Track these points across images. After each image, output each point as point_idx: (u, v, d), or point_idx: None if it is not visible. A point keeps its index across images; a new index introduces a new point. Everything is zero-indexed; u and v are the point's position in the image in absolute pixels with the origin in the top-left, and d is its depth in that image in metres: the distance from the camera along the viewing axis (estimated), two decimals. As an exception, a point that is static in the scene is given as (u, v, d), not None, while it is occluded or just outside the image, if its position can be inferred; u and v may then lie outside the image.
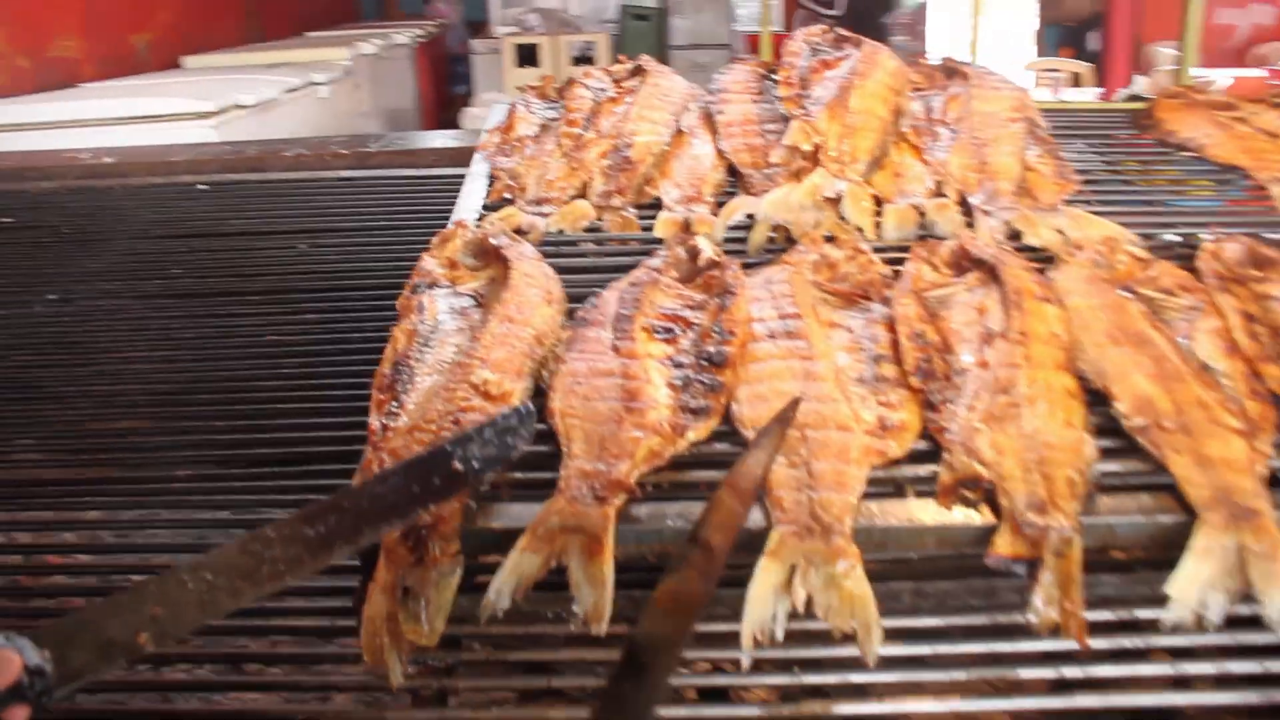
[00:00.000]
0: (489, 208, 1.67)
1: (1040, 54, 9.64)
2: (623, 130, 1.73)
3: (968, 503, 1.03)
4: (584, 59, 7.69)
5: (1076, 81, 7.92)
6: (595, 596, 0.98)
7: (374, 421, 1.16)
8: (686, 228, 1.55)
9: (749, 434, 1.10)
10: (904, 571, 1.09)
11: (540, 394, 1.19)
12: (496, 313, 1.27)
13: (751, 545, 1.00)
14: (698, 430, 1.12)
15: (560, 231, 1.59)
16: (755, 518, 1.02)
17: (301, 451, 1.52)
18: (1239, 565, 0.97)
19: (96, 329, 1.94)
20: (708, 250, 1.38)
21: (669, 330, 1.24)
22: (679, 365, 1.19)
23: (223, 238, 2.24)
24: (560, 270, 1.43)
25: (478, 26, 8.44)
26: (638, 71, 1.96)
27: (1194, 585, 0.97)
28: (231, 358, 1.79)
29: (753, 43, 7.06)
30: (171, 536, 1.45)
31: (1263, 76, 5.31)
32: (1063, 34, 9.90)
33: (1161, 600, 0.98)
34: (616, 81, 1.94)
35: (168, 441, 1.60)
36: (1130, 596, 1.07)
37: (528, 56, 7.60)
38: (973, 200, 1.58)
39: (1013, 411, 1.08)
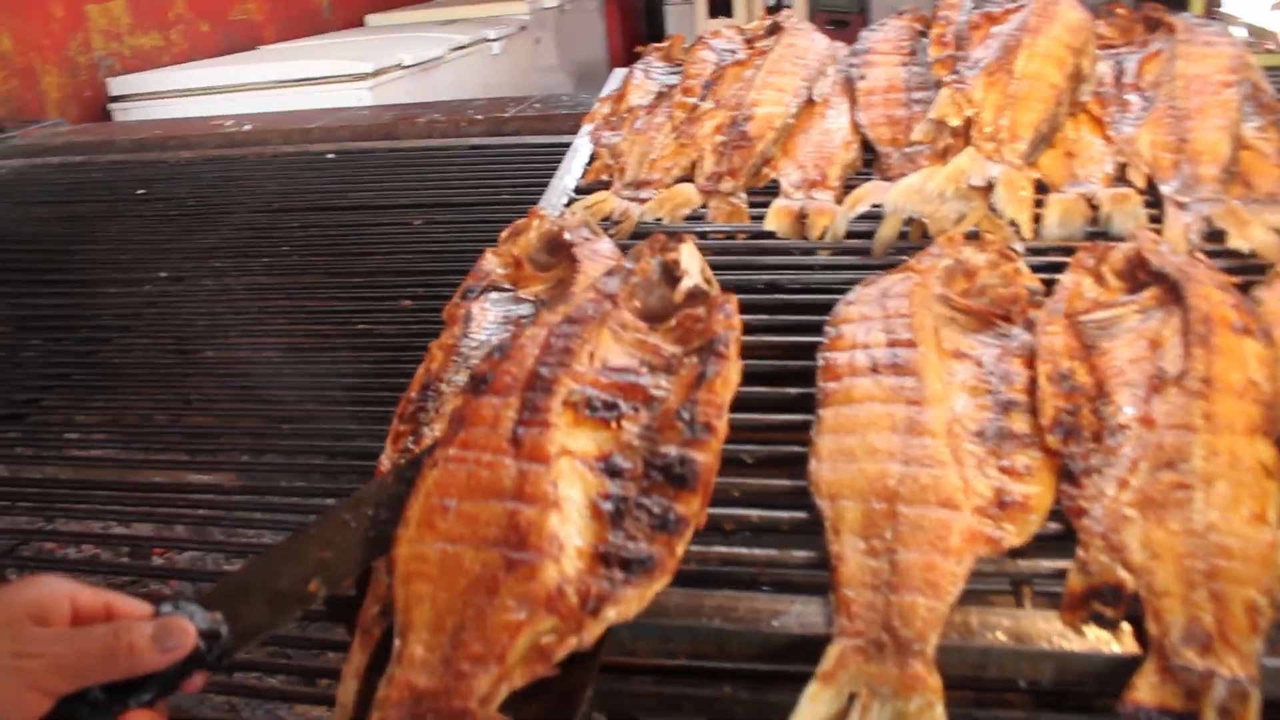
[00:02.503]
0: (581, 190, 1.47)
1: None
2: (743, 100, 1.49)
3: (1103, 621, 0.77)
4: (780, 6, 7.35)
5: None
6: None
7: (384, 459, 0.98)
8: (802, 218, 1.30)
9: (824, 504, 0.86)
10: (1009, 700, 0.83)
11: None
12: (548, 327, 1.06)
13: (805, 653, 0.76)
14: (625, 604, 0.73)
15: (658, 221, 1.37)
16: (808, 614, 0.79)
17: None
18: None
19: (194, 312, 1.84)
20: (691, 273, 1.05)
21: (611, 407, 0.87)
22: (615, 473, 0.82)
23: (338, 211, 2.12)
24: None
25: (672, -24, 8.19)
26: (775, 30, 1.71)
27: None
28: (314, 348, 1.65)
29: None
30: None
31: None
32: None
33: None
34: (749, 41, 1.70)
35: (225, 444, 1.47)
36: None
37: (722, 5, 7.31)
38: (1164, 189, 1.28)
39: (1179, 496, 0.81)
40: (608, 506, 0.79)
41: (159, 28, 3.87)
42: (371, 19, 5.31)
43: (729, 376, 0.91)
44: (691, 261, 1.09)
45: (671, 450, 0.82)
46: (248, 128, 2.61)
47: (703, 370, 0.91)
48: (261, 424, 1.51)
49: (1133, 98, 1.44)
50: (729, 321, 0.98)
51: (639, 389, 0.89)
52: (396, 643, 0.73)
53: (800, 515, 0.88)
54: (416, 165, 2.28)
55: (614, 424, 0.86)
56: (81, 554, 1.50)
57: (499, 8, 5.27)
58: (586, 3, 6.47)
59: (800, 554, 0.84)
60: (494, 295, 1.17)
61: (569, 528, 0.77)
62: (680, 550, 0.77)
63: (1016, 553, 0.83)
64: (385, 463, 0.98)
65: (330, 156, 2.38)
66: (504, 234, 1.27)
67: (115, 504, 1.37)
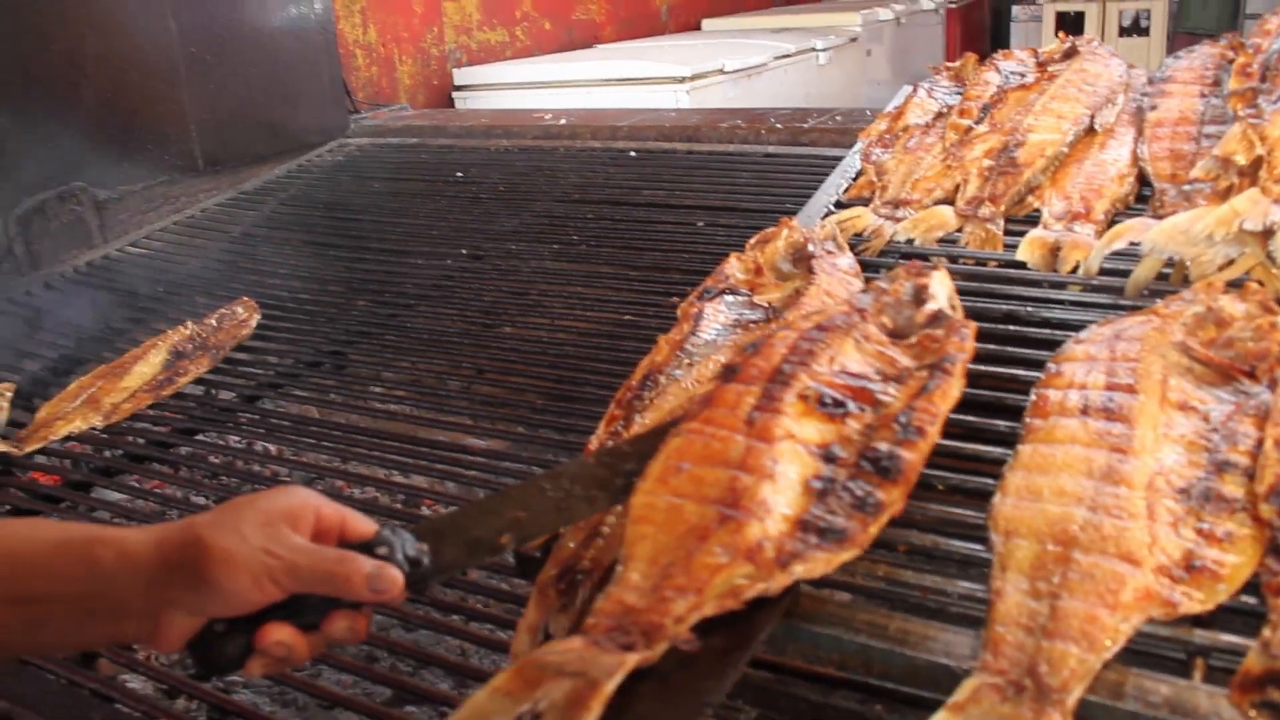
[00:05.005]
0: (842, 204, 1.48)
1: None
2: (1019, 125, 1.45)
3: (1276, 710, 0.71)
4: (1136, 29, 6.96)
5: None
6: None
7: (594, 439, 1.05)
8: (1056, 252, 1.26)
9: (998, 539, 0.84)
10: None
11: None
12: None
13: (946, 683, 0.76)
14: (813, 563, 0.81)
15: (909, 241, 1.36)
16: (956, 644, 0.78)
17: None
18: None
19: (484, 288, 1.99)
20: (939, 297, 1.08)
21: (839, 404, 0.95)
22: (830, 459, 0.90)
23: (629, 206, 2.22)
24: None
25: (1023, -10, 7.90)
26: (1070, 53, 1.65)
27: None
28: (589, 334, 1.75)
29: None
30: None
31: None
32: None
33: None
34: (1040, 64, 1.64)
35: (506, 414, 1.59)
36: None
37: (1071, 24, 7.01)
38: None
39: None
40: (817, 485, 0.87)
41: (506, 24, 4.16)
42: (707, 23, 5.47)
43: (950, 392, 0.97)
44: (940, 288, 1.12)
45: (883, 446, 0.90)
46: (564, 121, 2.77)
47: (927, 382, 0.97)
48: (537, 398, 1.62)
49: None
50: (962, 345, 1.03)
51: (868, 393, 0.97)
52: (618, 569, 0.83)
53: (975, 549, 0.86)
54: (711, 168, 2.35)
55: (839, 419, 0.94)
56: (364, 495, 1.66)
57: (834, 18, 5.29)
58: (926, 16, 6.36)
59: (964, 585, 0.83)
60: (729, 298, 1.21)
61: (779, 497, 0.85)
62: (874, 530, 0.84)
63: (1197, 621, 0.78)
64: (594, 442, 1.04)
65: (632, 154, 2.50)
66: (752, 240, 1.31)
67: (400, 455, 1.52)
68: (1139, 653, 0.76)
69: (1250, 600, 0.79)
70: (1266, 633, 0.75)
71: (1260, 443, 0.89)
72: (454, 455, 1.50)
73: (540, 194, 2.36)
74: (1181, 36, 6.63)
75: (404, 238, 2.28)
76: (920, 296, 1.10)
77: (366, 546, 0.79)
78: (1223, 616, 0.78)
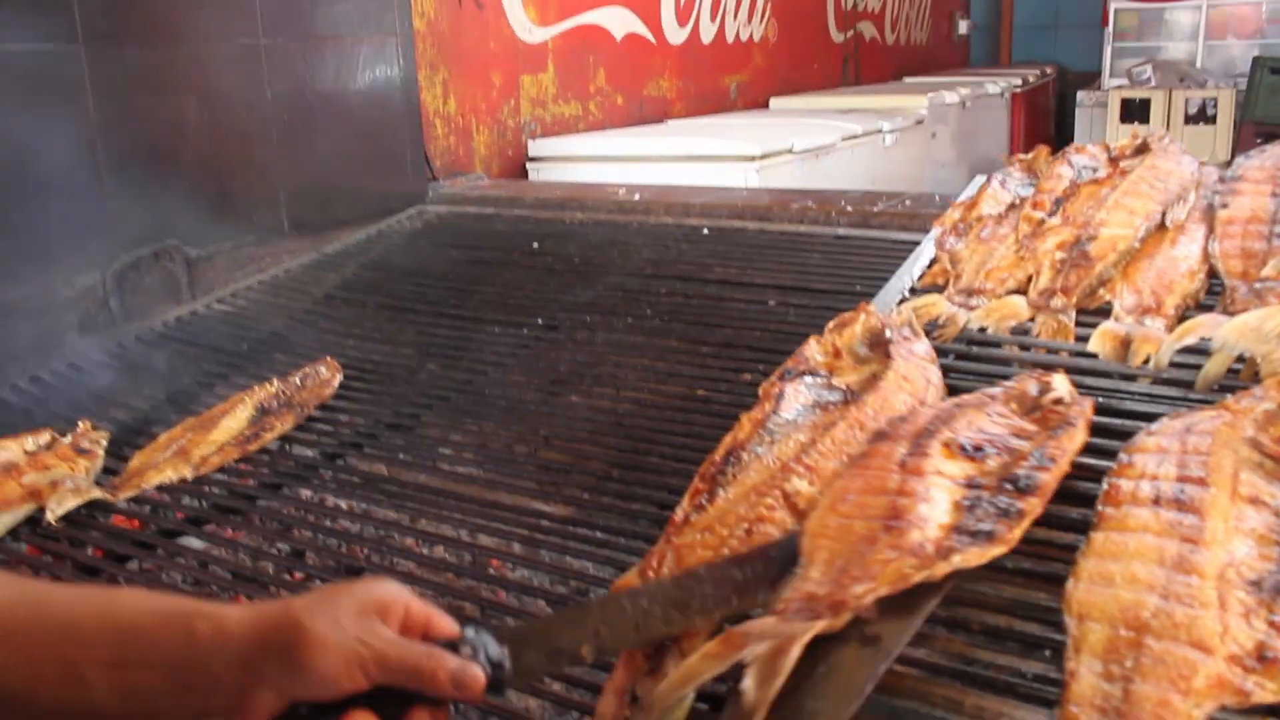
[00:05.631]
0: (917, 290, 1.52)
1: None
2: (1091, 219, 1.50)
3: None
4: (1202, 117, 6.99)
5: None
6: (759, 695, 0.83)
7: (679, 511, 1.09)
8: (1127, 345, 1.30)
9: (1071, 622, 0.88)
10: None
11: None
12: (848, 416, 1.14)
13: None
14: (968, 555, 0.92)
15: (983, 330, 1.41)
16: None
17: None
18: None
19: (559, 359, 2.05)
20: (1060, 389, 1.17)
21: (979, 450, 1.05)
22: (974, 486, 1.00)
23: (702, 283, 2.28)
24: (964, 374, 1.27)
25: (1089, 76, 7.97)
26: (1142, 149, 1.69)
27: None
28: (659, 406, 1.80)
29: None
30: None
31: None
32: None
33: None
34: (1113, 160, 1.69)
35: (571, 480, 1.64)
36: None
37: (1136, 111, 7.05)
38: None
39: None
40: (966, 503, 0.99)
41: (580, 98, 4.28)
42: (775, 102, 5.57)
43: (1076, 437, 1.08)
44: (1062, 383, 1.21)
45: (1021, 471, 1.01)
46: (637, 197, 2.85)
47: (1055, 430, 1.09)
48: (604, 466, 1.67)
49: None
50: (1084, 411, 1.14)
51: (1002, 443, 1.08)
52: (798, 568, 0.95)
53: (1047, 631, 0.90)
54: (782, 248, 2.41)
55: (979, 460, 1.05)
56: (432, 553, 1.71)
57: (900, 100, 5.37)
58: (991, 100, 6.43)
59: (1035, 666, 0.87)
60: (809, 379, 1.26)
61: (934, 511, 0.97)
62: (1018, 533, 0.94)
63: (1270, 710, 0.81)
64: (679, 514, 1.09)
65: (705, 231, 2.57)
66: (831, 324, 1.36)
67: (466, 515, 1.57)
68: (1211, 739, 0.79)
69: (1319, 693, 0.81)
70: (1336, 725, 0.78)
71: (1330, 539, 0.92)
72: (520, 518, 1.55)
73: (614, 267, 2.43)
74: (1248, 125, 6.65)
75: (481, 305, 2.36)
76: (1044, 390, 1.20)
77: (451, 645, 0.83)
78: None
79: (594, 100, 4.35)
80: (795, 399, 1.23)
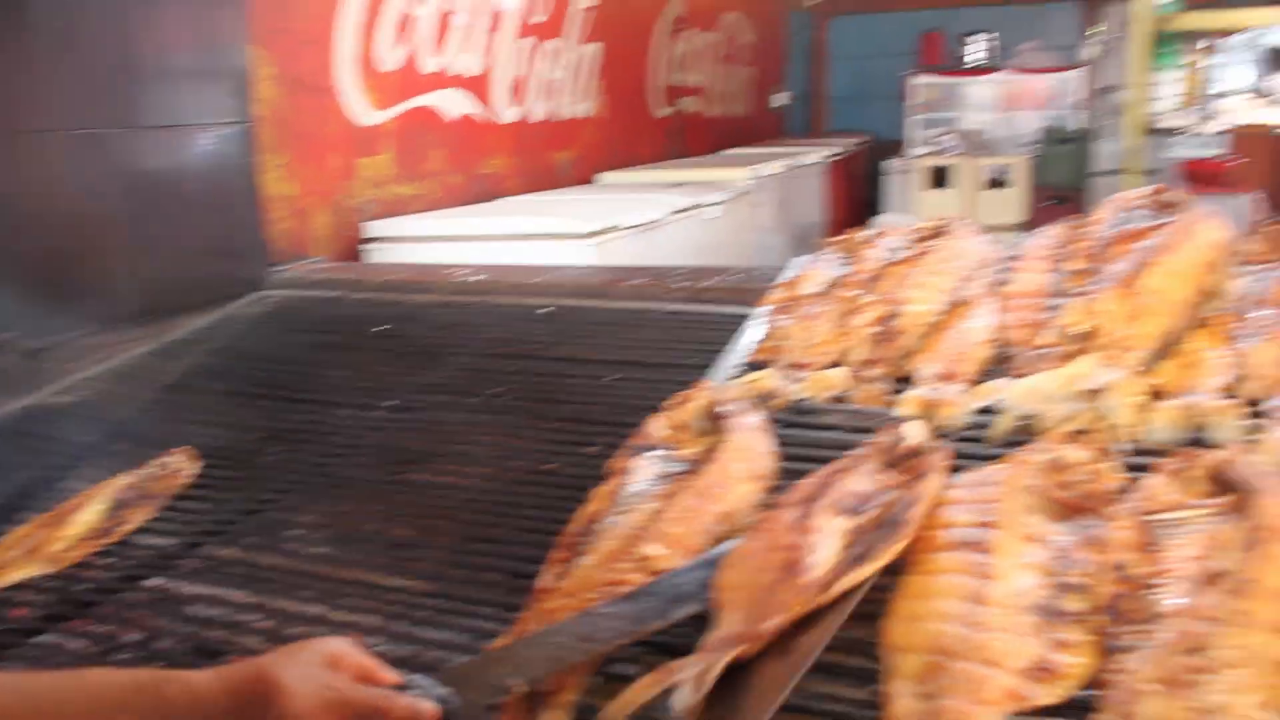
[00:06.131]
0: (749, 366, 1.68)
1: None
2: (897, 296, 1.69)
3: (1113, 776, 0.90)
4: (999, 182, 7.51)
5: None
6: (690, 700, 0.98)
7: (542, 580, 1.21)
8: (931, 408, 1.48)
9: (890, 655, 1.03)
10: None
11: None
12: (690, 486, 1.28)
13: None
14: (849, 577, 1.09)
15: (805, 400, 1.57)
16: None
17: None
18: None
19: (410, 439, 2.13)
20: (912, 437, 1.32)
21: (854, 510, 1.20)
22: (858, 530, 1.17)
23: (547, 360, 2.39)
24: (797, 443, 1.43)
25: (894, 146, 8.47)
26: (940, 232, 1.91)
27: None
28: (509, 480, 1.89)
29: (1190, 170, 6.57)
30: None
31: None
32: None
33: None
34: (918, 240, 1.90)
35: (422, 554, 1.71)
36: None
37: (939, 178, 7.54)
38: (1273, 403, 1.40)
39: (1196, 677, 0.94)
40: (850, 540, 1.16)
41: (417, 178, 4.38)
42: (602, 177, 5.76)
43: (933, 485, 1.23)
44: (915, 431, 1.37)
45: (891, 515, 1.17)
46: (480, 277, 2.96)
47: (916, 481, 1.24)
48: (458, 540, 1.75)
49: (1262, 312, 1.56)
50: (939, 460, 1.29)
51: (872, 497, 1.23)
52: (718, 617, 1.10)
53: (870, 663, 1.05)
54: (620, 324, 2.54)
55: (857, 514, 1.20)
56: (291, 632, 1.75)
57: (724, 172, 5.63)
58: (810, 169, 6.79)
59: (861, 694, 1.01)
60: (654, 453, 1.40)
61: (824, 558, 1.13)
62: (886, 557, 1.12)
63: (1050, 711, 0.97)
64: (544, 582, 1.20)
65: (547, 310, 2.69)
66: (671, 401, 1.50)
67: (324, 594, 1.61)
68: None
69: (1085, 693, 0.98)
70: (1095, 716, 0.94)
71: (1098, 567, 1.10)
72: (374, 593, 1.59)
73: (461, 348, 2.52)
74: (1040, 189, 7.21)
75: (330, 388, 2.40)
76: (899, 440, 1.35)
77: (400, 689, 0.94)
78: (1069, 707, 0.97)
79: (431, 179, 4.45)
80: (643, 472, 1.36)
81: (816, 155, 6.91)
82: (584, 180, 5.70)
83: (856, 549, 1.13)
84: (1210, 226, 1.67)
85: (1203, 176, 6.61)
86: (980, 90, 8.05)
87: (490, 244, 3.73)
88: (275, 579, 1.68)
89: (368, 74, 4.02)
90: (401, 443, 2.12)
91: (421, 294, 2.92)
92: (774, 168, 5.94)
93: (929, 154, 7.55)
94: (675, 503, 1.24)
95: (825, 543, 1.15)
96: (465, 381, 2.33)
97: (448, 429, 2.15)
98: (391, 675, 0.96)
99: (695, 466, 1.35)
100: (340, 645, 0.97)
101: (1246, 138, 7.32)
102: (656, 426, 1.44)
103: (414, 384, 2.36)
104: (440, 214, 4.22)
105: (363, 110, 4.01)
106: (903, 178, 7.70)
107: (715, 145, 7.56)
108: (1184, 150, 7.55)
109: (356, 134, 4.00)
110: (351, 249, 4.00)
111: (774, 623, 1.04)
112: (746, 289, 2.61)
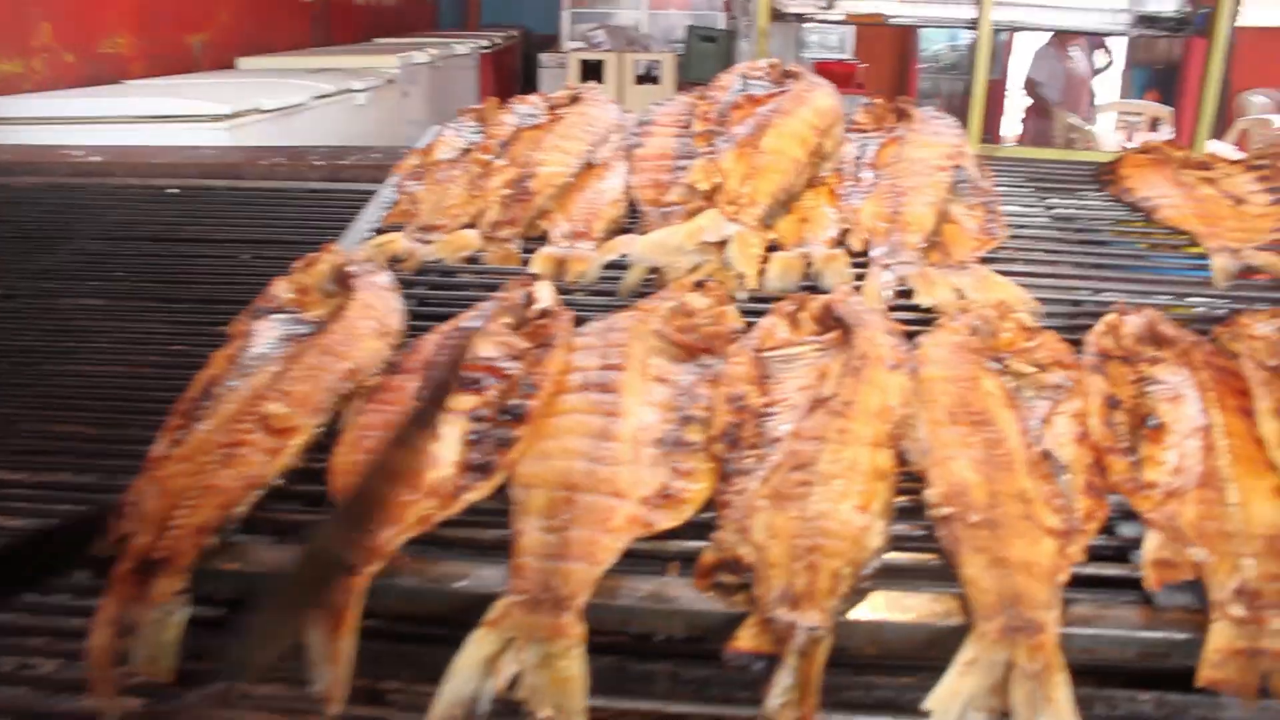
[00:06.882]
0: (380, 230, 1.63)
1: (1124, 95, 9.39)
2: (530, 160, 1.67)
3: (725, 588, 0.95)
4: (649, 78, 7.67)
5: (1154, 126, 7.68)
6: (333, 675, 0.90)
7: (155, 447, 1.12)
8: (563, 265, 1.48)
9: (517, 492, 1.03)
10: (662, 651, 1.00)
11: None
12: (316, 343, 1.22)
13: (479, 609, 0.92)
14: (476, 491, 1.04)
15: (439, 261, 1.54)
16: (489, 577, 0.96)
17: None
18: (1004, 683, 0.88)
19: (21, 330, 1.93)
20: (543, 298, 1.31)
21: (476, 382, 1.15)
22: (479, 419, 1.11)
23: (173, 243, 2.23)
24: (429, 302, 1.39)
25: (548, 40, 8.46)
26: (575, 99, 1.90)
27: (954, 702, 0.88)
28: (136, 365, 1.76)
29: (823, 70, 6.96)
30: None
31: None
32: (1150, 77, 9.64)
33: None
34: (552, 108, 1.88)
35: (37, 445, 1.57)
36: (901, 702, 0.97)
37: (592, 72, 7.61)
38: (873, 252, 1.50)
39: (802, 490, 1.00)
40: (473, 438, 1.09)
41: (21, 55, 3.93)
42: (242, 62, 5.41)
43: (558, 359, 1.19)
44: (545, 292, 1.34)
45: (513, 401, 1.13)
46: (96, 159, 2.70)
47: (539, 355, 1.20)
48: (94, 430, 1.61)
49: (866, 174, 1.67)
50: (565, 326, 1.27)
51: (498, 369, 1.18)
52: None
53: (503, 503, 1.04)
54: (255, 204, 2.40)
55: (481, 391, 1.14)
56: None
57: (371, 60, 5.43)
58: (461, 60, 6.66)
59: (494, 534, 1.01)
60: (278, 316, 1.32)
61: (446, 450, 1.07)
62: (513, 457, 1.07)
63: (673, 534, 1.01)
64: (157, 450, 1.11)
65: (172, 191, 2.50)
66: (297, 264, 1.42)
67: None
68: (633, 556, 0.97)
69: (707, 515, 1.02)
70: (715, 534, 0.99)
71: (717, 400, 1.15)
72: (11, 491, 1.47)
73: (76, 233, 2.30)
74: (686, 85, 7.44)
75: (-77, 279, 2.15)
76: (530, 300, 1.32)
77: None
78: (689, 529, 1.01)
79: (38, 57, 4.00)
80: (266, 334, 1.29)
81: (468, 46, 6.78)
82: (220, 66, 5.34)
83: (482, 452, 1.07)
84: (823, 94, 1.76)
85: (832, 77, 7.02)
86: (630, -14, 8.16)
87: (111, 128, 3.43)
88: None
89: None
90: (12, 334, 1.92)
91: (29, 176, 2.63)
92: (423, 56, 5.80)
93: (581, 49, 7.59)
94: (299, 361, 1.18)
95: (447, 430, 1.09)
96: (81, 267, 2.14)
97: (63, 317, 1.96)
98: None
99: (321, 326, 1.29)
100: None
101: (869, 37, 7.84)
102: (281, 289, 1.36)
103: (21, 271, 2.13)
104: (53, 94, 3.82)
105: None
106: (556, 71, 7.71)
107: (364, 34, 7.28)
108: (815, 52, 7.99)
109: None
110: (-51, 132, 3.55)
111: (392, 533, 0.98)
112: (388, 166, 2.52)
